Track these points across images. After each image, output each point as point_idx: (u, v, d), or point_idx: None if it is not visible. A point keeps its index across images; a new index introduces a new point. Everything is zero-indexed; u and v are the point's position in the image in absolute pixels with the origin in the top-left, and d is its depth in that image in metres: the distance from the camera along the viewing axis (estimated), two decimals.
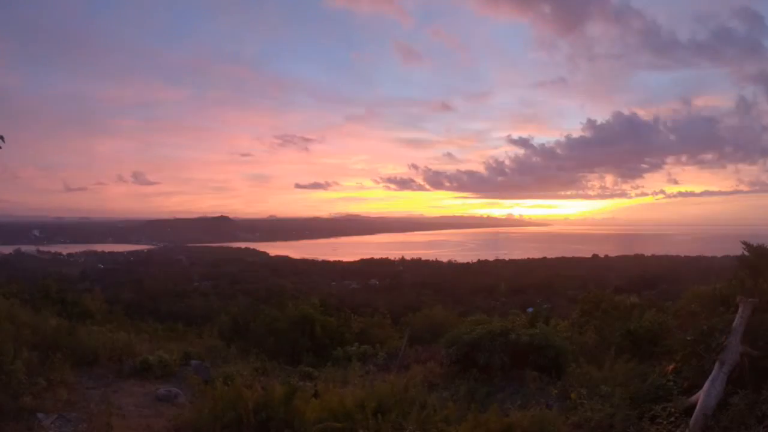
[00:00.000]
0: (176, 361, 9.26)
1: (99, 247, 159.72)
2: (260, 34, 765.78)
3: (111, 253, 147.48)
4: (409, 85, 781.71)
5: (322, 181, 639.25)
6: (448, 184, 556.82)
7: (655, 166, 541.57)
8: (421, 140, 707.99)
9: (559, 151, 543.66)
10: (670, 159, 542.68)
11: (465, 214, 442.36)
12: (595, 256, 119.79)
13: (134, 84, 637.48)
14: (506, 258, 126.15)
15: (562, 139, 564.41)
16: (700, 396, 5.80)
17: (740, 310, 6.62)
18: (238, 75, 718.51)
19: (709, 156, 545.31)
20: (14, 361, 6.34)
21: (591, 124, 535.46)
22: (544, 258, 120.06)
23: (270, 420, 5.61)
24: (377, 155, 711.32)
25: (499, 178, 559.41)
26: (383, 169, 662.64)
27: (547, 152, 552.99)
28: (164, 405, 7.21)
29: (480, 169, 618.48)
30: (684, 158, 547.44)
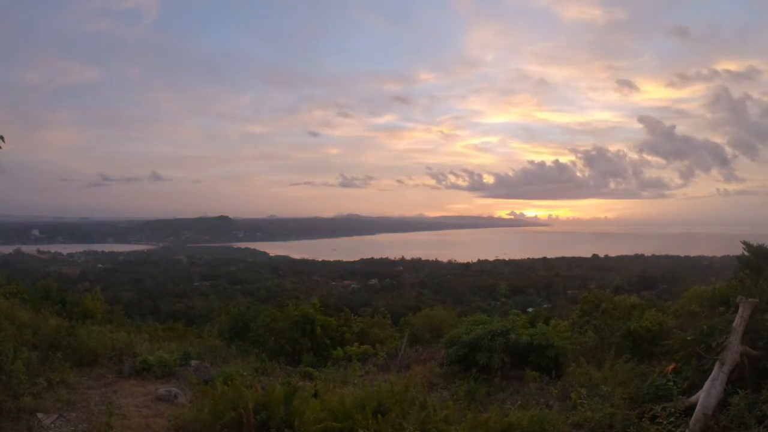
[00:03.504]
0: (176, 361, 9.25)
1: (99, 247, 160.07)
2: None
3: (111, 253, 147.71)
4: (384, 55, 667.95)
5: (311, 178, 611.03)
6: (446, 181, 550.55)
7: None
8: (406, 128, 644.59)
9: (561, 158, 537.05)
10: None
11: (466, 214, 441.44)
12: (595, 256, 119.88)
13: (45, 64, 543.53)
14: (506, 258, 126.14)
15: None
16: (700, 396, 5.80)
17: (740, 310, 6.62)
18: (155, 46, 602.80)
19: None
20: (14, 361, 6.34)
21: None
22: (544, 258, 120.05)
23: (270, 420, 5.62)
24: (352, 146, 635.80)
25: (501, 176, 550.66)
26: (363, 163, 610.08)
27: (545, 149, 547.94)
28: (164, 405, 7.20)
29: (485, 165, 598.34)
30: None
